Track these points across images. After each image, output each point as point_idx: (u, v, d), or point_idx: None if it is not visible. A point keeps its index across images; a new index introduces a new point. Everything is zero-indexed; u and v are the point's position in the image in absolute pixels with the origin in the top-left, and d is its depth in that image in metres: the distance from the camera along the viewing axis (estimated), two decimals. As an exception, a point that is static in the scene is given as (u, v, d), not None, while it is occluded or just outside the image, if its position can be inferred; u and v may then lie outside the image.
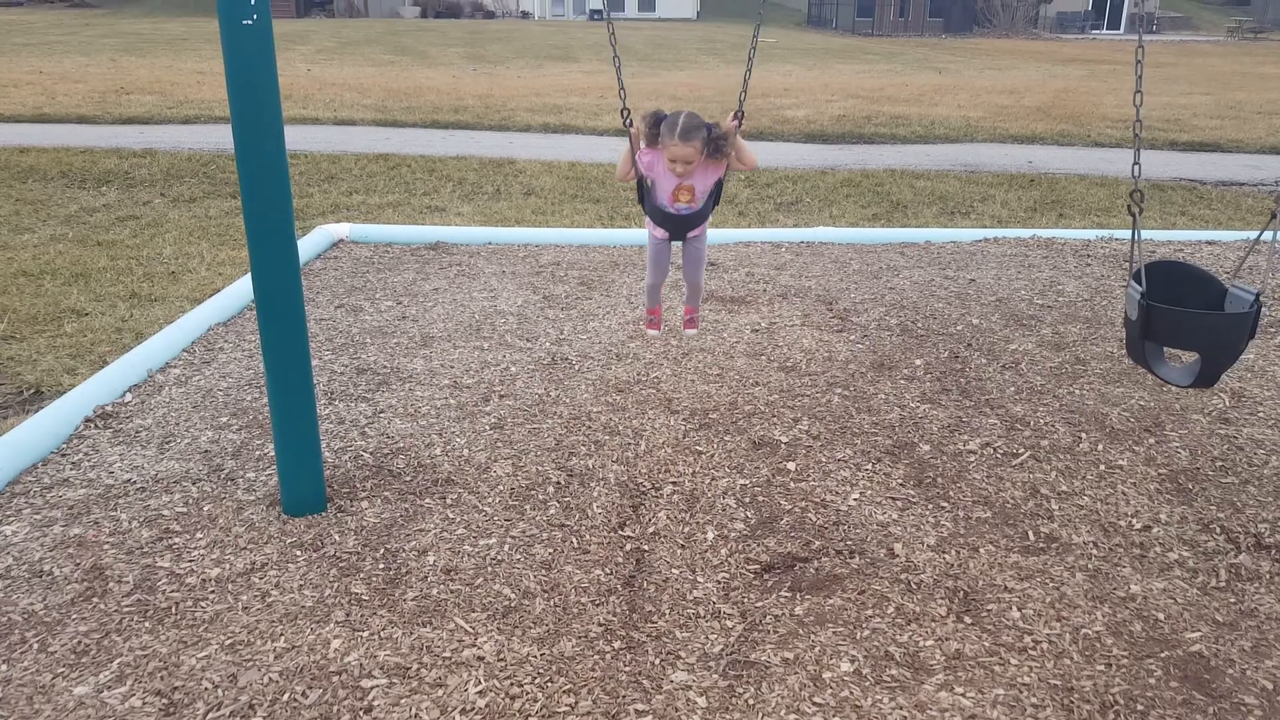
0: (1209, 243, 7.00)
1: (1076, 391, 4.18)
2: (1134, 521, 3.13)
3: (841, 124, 12.74)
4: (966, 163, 10.42)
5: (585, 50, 27.05)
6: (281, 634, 2.51)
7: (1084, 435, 3.75)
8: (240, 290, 5.30)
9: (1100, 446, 3.65)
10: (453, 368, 4.42)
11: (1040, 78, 21.02)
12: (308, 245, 6.30)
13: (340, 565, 2.82)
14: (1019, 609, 2.63)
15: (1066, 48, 33.63)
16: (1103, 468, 3.49)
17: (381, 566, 2.82)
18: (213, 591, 2.71)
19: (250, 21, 2.65)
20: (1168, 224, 7.89)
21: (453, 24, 39.80)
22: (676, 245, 3.76)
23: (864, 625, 2.56)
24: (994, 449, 3.63)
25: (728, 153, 3.37)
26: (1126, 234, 7.16)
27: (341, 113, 13.13)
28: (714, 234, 6.70)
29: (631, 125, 3.38)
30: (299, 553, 2.89)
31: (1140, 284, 2.89)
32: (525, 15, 49.79)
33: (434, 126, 12.50)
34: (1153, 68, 24.73)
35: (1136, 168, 2.95)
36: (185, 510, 3.14)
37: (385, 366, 4.42)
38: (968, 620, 2.58)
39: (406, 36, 30.67)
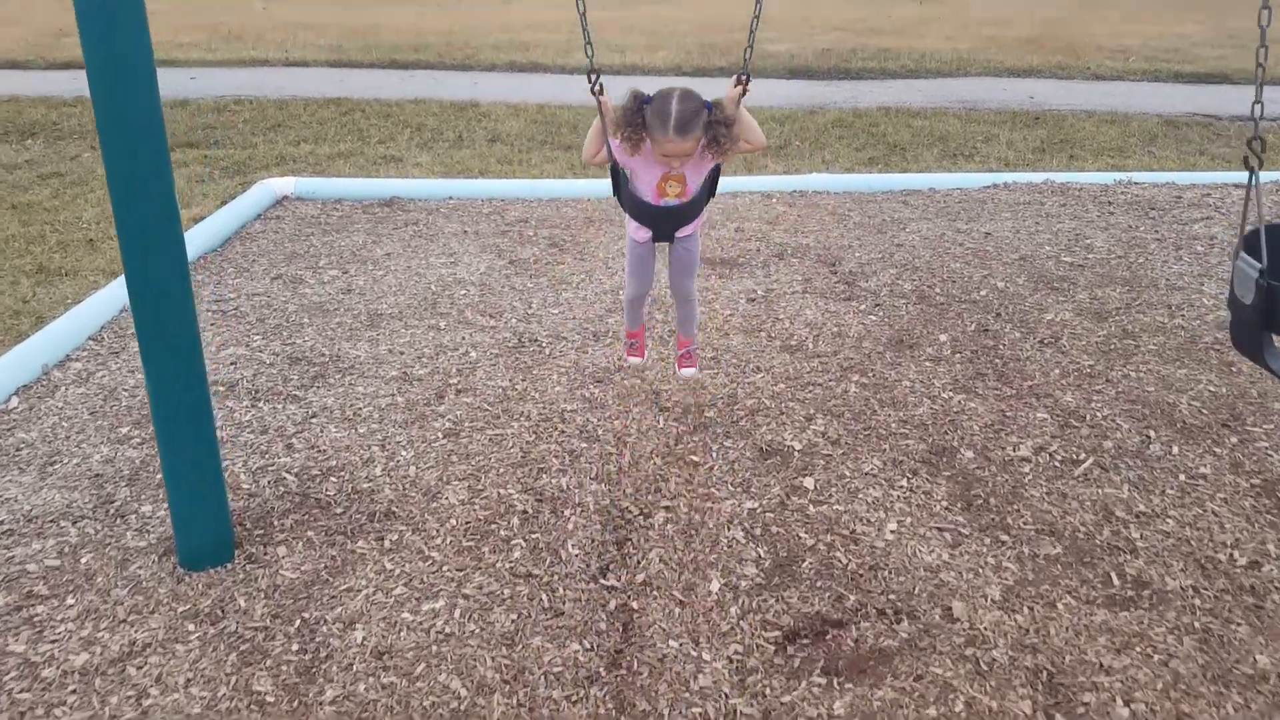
0: (1237, 185, 6.39)
1: (1132, 373, 3.58)
2: (1236, 555, 2.56)
3: (827, 58, 11.89)
4: (963, 99, 9.68)
5: (552, -20, 25.63)
6: (156, 761, 1.88)
7: (1152, 433, 3.16)
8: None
9: (1175, 449, 3.07)
10: (403, 354, 3.74)
11: (1024, 6, 20.10)
12: (246, 204, 5.56)
13: (242, 648, 2.18)
14: (1125, 700, 2.05)
15: (1049, -25, 32.46)
16: (1183, 478, 2.91)
17: (295, 648, 2.18)
18: (74, 690, 2.07)
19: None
20: (1187, 165, 7.26)
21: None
22: (661, 247, 2.98)
23: (926, 726, 1.97)
24: (1050, 455, 3.03)
25: (732, 139, 2.61)
26: (1146, 177, 6.55)
27: (294, 54, 12.08)
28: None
29: (601, 92, 2.64)
30: (192, 627, 2.25)
31: (1259, 259, 2.22)
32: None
33: (393, 67, 11.53)
34: (1139, -5, 23.85)
35: (1258, 106, 2.24)
36: (57, 564, 2.47)
37: (323, 354, 3.73)
38: None
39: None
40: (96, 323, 3.96)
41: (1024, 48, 13.21)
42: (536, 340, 3.88)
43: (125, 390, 3.42)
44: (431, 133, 8.04)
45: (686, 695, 2.08)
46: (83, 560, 2.49)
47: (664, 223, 2.78)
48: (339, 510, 2.70)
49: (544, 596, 2.38)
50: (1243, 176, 6.47)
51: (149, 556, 2.49)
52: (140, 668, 2.12)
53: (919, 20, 16.75)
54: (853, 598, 2.37)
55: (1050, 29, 15.60)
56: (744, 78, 2.68)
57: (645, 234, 2.85)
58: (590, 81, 2.63)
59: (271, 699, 2.03)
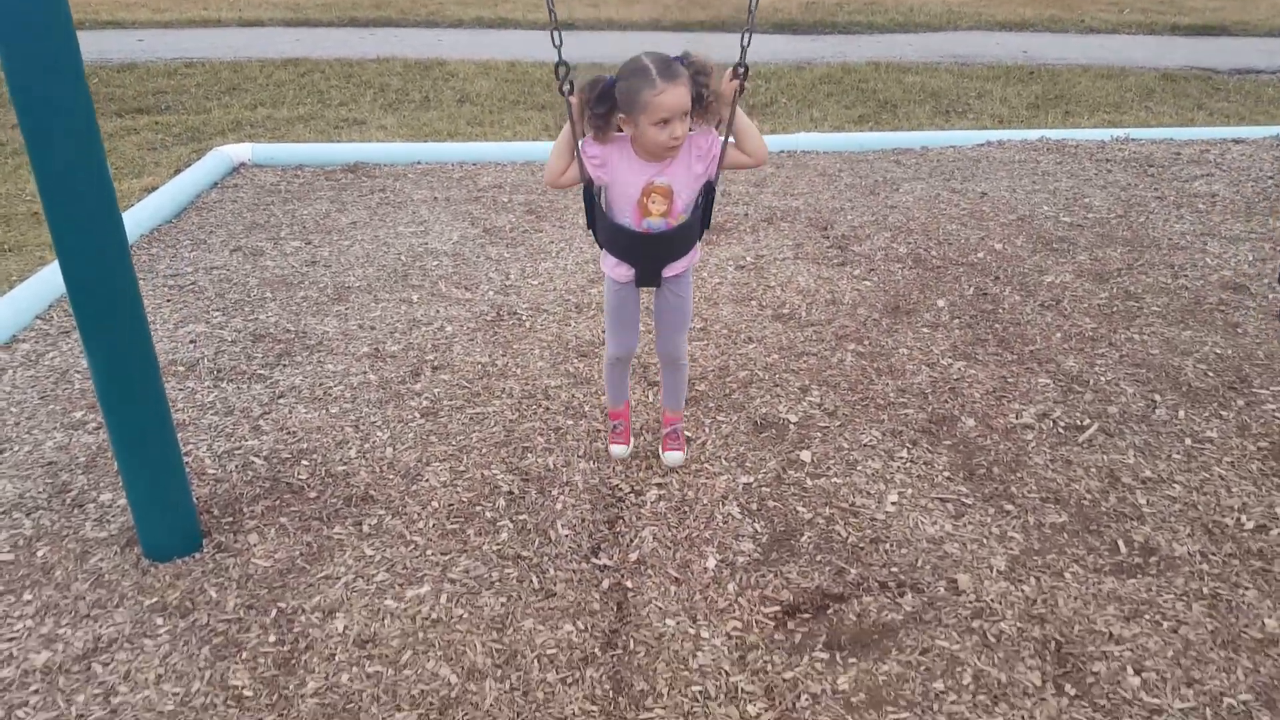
0: (1236, 141, 6.27)
1: (1135, 336, 3.48)
2: (1243, 519, 2.47)
3: (812, 11, 11.63)
4: (956, 54, 9.48)
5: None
6: (121, 767, 1.77)
7: (1158, 397, 3.06)
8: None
9: (1180, 413, 2.97)
10: (374, 329, 3.59)
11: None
12: (201, 172, 5.31)
13: (215, 641, 2.06)
14: (1136, 670, 1.96)
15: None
16: (1189, 442, 2.82)
17: (272, 639, 2.06)
18: (36, 690, 1.95)
19: None
20: (1185, 120, 7.13)
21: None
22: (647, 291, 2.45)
23: (935, 707, 1.88)
24: (1053, 421, 2.93)
25: (712, 107, 2.14)
26: (1143, 134, 6.41)
27: (247, 12, 11.59)
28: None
29: (571, 93, 2.16)
30: (160, 621, 2.12)
31: None
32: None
33: (353, 25, 11.12)
34: (1128, -52, 23.52)
35: None
36: (11, 557, 2.34)
37: (288, 330, 3.57)
38: (1071, 691, 1.91)
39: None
40: (44, 301, 3.74)
41: (1016, 0, 12.97)
42: (515, 313, 3.73)
43: (78, 372, 3.24)
44: (396, 94, 7.75)
45: (685, 674, 1.98)
46: (39, 554, 2.35)
47: (648, 255, 2.30)
48: (313, 495, 2.57)
49: (534, 578, 2.27)
50: (1245, 132, 6.41)
51: (110, 548, 2.36)
52: (107, 665, 2.00)
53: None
54: (854, 571, 2.27)
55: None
56: (741, 70, 2.17)
57: (626, 272, 2.36)
58: (558, 77, 2.15)
59: (250, 693, 1.92)
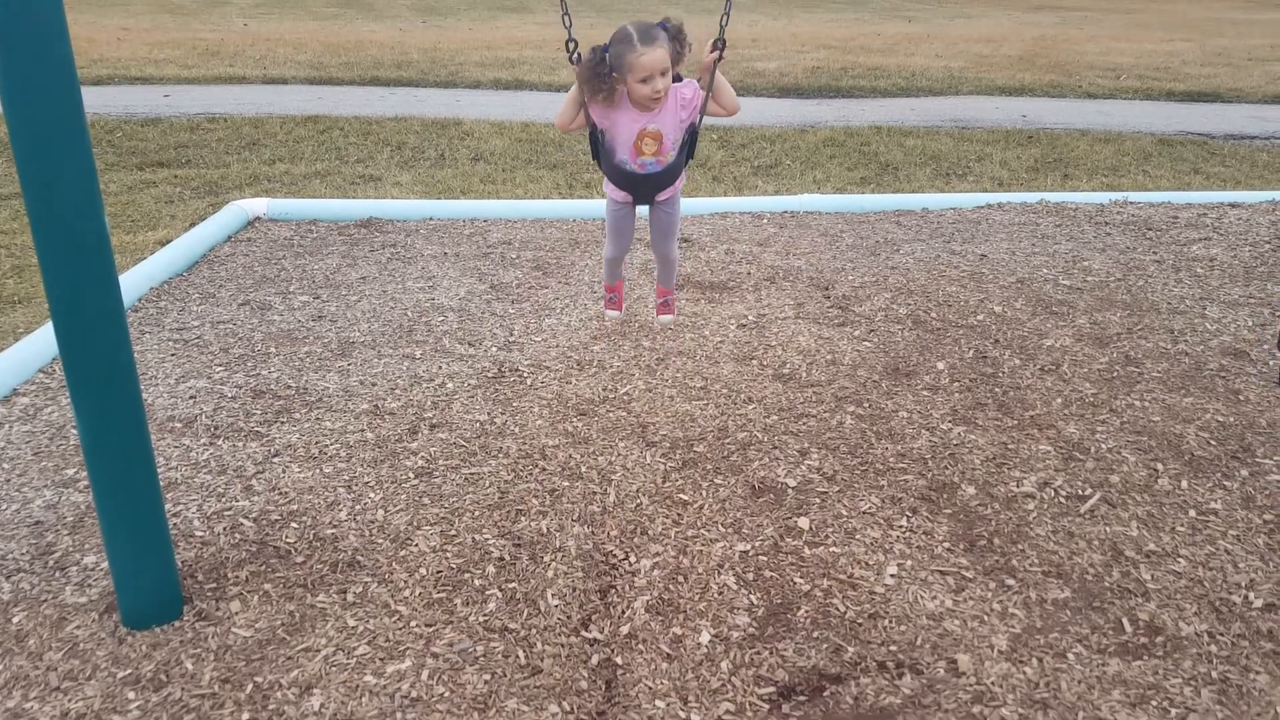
0: (1233, 205, 6.30)
1: (1136, 403, 3.44)
2: (1251, 596, 2.41)
3: (817, 76, 11.84)
4: (956, 118, 9.61)
5: (541, 1, 25.66)
6: None
7: (1160, 466, 3.01)
8: (127, 286, 4.36)
9: (1184, 483, 2.92)
10: (374, 385, 3.57)
11: (1013, 25, 20.20)
12: (215, 226, 5.40)
13: (186, 719, 2.00)
14: (1146, 765, 1.89)
15: (1034, -6, 32.71)
16: (1193, 514, 2.76)
17: (245, 718, 2.00)
18: (-2, 768, 1.88)
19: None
20: (1182, 184, 7.18)
21: (401, -26, 37.54)
22: (643, 210, 3.24)
23: (933, 799, 1.80)
24: (1055, 490, 2.88)
25: (685, 55, 2.83)
26: (1142, 197, 6.45)
27: (272, 70, 11.94)
28: (687, 204, 5.87)
29: (578, 59, 2.84)
30: (132, 695, 2.06)
31: None
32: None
33: (374, 84, 11.41)
34: (1122, 14, 24.04)
35: None
36: (-14, 623, 2.29)
37: (290, 386, 3.56)
38: (1076, 784, 1.83)
39: (351, -13, 28.79)
40: (47, 354, 3.74)
41: (1015, 65, 13.20)
42: (517, 369, 3.71)
43: (75, 428, 3.22)
44: (412, 151, 7.91)
45: (672, 766, 1.91)
46: (14, 619, 2.30)
47: (643, 186, 2.98)
48: (299, 560, 2.52)
49: (520, 653, 2.21)
50: (1241, 196, 6.45)
51: (88, 614, 2.31)
52: (73, 742, 1.94)
53: (908, 39, 16.76)
54: (851, 649, 2.21)
55: (1041, 46, 15.62)
56: (720, 43, 2.82)
57: (624, 196, 3.06)
58: (568, 50, 2.81)
59: (215, 777, 1.85)
